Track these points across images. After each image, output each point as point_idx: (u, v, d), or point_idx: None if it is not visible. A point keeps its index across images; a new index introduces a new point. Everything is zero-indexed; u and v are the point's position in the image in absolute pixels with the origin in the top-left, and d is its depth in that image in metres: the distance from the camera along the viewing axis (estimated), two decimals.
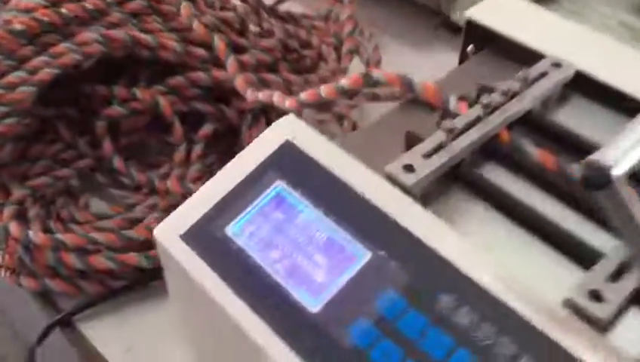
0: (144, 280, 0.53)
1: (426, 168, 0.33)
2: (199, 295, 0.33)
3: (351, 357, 0.29)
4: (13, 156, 0.55)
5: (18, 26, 0.52)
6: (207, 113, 0.59)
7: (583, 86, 0.39)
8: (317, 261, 0.32)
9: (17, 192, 0.54)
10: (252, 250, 0.33)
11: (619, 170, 0.24)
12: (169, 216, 0.36)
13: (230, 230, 0.33)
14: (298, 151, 0.34)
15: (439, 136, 0.34)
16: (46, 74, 0.52)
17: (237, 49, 0.61)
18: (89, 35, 0.54)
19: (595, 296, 0.28)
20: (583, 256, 0.31)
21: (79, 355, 0.52)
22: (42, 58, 0.52)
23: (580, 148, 0.35)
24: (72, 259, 0.50)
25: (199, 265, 0.33)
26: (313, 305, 0.31)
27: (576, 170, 0.25)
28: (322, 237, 0.32)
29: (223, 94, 0.60)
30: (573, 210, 0.33)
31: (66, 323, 0.52)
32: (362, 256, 0.31)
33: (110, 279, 0.52)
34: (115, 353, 0.51)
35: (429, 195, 0.34)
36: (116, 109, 0.57)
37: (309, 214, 0.33)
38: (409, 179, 0.32)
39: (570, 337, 0.27)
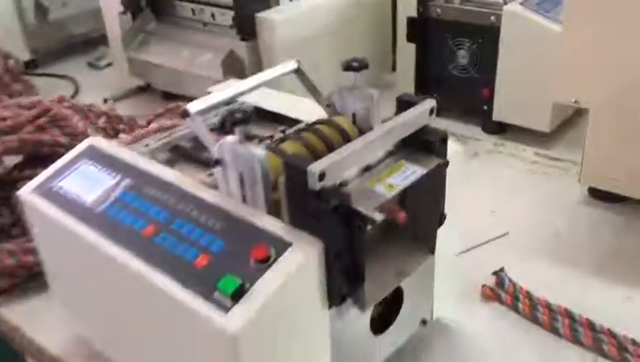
0: None
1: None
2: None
3: (103, 217, 0.63)
4: None
5: None
6: None
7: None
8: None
9: None
10: (72, 193, 0.67)
11: (194, 109, 0.61)
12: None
13: (57, 183, 0.68)
14: (96, 148, 0.70)
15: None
16: None
17: None
18: None
19: None
20: None
21: None
22: None
23: None
24: None
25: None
26: (96, 205, 0.65)
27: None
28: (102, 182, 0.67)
29: None
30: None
31: None
32: (116, 179, 0.66)
33: None
34: None
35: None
36: None
37: (102, 175, 0.68)
38: (142, 150, 0.69)
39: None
